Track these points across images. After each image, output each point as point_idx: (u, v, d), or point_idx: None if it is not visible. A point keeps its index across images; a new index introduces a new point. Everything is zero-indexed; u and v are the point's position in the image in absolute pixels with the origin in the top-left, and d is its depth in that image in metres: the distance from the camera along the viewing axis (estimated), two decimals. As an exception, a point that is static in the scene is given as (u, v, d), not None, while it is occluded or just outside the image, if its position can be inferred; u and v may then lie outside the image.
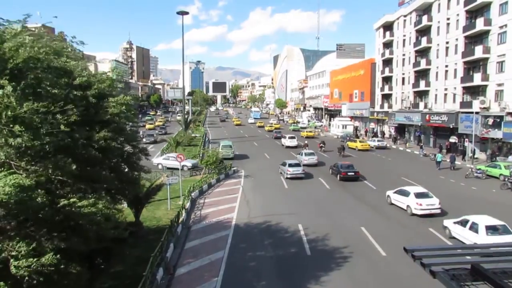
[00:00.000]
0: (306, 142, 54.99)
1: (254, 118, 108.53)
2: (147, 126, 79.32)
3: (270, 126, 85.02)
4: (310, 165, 39.16)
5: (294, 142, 55.63)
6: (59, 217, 9.12)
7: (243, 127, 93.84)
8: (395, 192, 25.88)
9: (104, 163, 11.74)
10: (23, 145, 8.15)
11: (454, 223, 19.91)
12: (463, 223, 19.18)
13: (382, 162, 43.89)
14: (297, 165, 35.75)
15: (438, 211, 23.38)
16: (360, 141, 56.23)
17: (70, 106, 9.46)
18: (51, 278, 8.50)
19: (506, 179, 31.07)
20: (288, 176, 34.18)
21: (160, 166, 38.31)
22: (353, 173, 33.94)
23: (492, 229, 17.92)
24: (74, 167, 9.01)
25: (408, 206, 24.00)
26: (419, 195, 23.83)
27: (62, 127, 9.07)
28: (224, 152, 44.09)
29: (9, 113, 7.95)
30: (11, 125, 8.03)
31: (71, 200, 9.24)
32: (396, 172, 37.20)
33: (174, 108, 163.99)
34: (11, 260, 7.73)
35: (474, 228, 18.34)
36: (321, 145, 51.75)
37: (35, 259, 7.81)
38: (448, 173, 36.89)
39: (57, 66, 10.15)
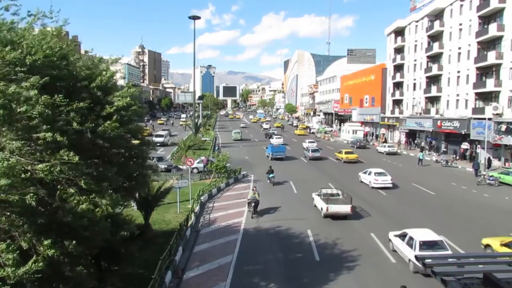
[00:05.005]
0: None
1: (257, 118, 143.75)
2: None
3: (257, 119, 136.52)
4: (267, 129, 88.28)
5: (268, 125, 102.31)
6: (54, 218, 8.91)
7: (238, 119, 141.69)
8: (363, 173, 35.24)
9: (111, 159, 11.75)
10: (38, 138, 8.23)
11: (395, 236, 18.57)
12: (402, 236, 17.91)
13: (394, 168, 43.52)
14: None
15: (390, 185, 32.51)
16: (299, 129, 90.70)
17: (80, 98, 9.65)
18: (51, 283, 8.48)
19: None
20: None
21: (196, 171, 39.03)
22: (274, 131, 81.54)
23: (427, 245, 16.51)
24: (77, 158, 8.96)
25: (369, 181, 33.37)
26: (377, 174, 33.42)
27: (74, 124, 9.32)
28: (235, 136, 73.11)
29: (27, 108, 8.08)
30: (28, 121, 8.13)
31: (64, 196, 8.99)
32: (407, 178, 36.88)
33: (178, 112, 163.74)
34: None
35: (410, 243, 17.03)
36: (281, 127, 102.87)
37: (21, 268, 7.50)
38: (460, 179, 36.45)
39: (69, 61, 10.36)
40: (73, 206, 8.99)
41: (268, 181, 34.37)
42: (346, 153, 47.93)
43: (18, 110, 8.08)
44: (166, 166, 39.87)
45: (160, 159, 41.77)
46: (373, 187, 32.63)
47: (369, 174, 33.94)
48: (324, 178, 37.08)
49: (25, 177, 7.91)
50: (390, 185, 32.51)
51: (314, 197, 26.86)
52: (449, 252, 16.43)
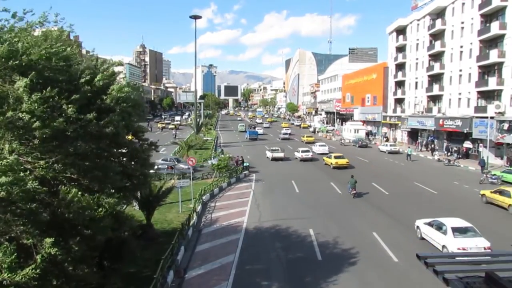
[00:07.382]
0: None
1: (253, 114, 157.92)
2: None
3: (253, 116, 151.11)
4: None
5: (261, 120, 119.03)
6: (55, 216, 8.83)
7: (238, 116, 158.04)
8: (314, 145, 56.66)
9: (113, 158, 11.71)
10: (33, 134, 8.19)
11: (425, 224, 19.56)
12: (432, 224, 18.94)
13: (395, 167, 43.46)
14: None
15: (327, 151, 51.13)
16: (284, 123, 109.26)
17: (75, 97, 9.63)
18: (55, 281, 8.45)
19: None
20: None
21: None
22: (256, 124, 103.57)
23: (459, 231, 17.58)
24: (81, 144, 8.84)
25: (316, 150, 52.90)
26: (320, 145, 55.75)
27: (70, 113, 9.26)
28: (240, 128, 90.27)
29: (23, 106, 8.01)
30: (21, 116, 8.09)
31: (62, 192, 8.87)
32: (409, 177, 36.84)
33: (173, 113, 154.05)
34: None
35: (442, 229, 18.03)
36: (271, 122, 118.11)
37: (18, 273, 7.36)
38: (462, 178, 36.35)
39: (66, 55, 10.31)
40: (75, 202, 8.90)
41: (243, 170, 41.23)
42: (307, 136, 70.01)
43: (8, 112, 8.01)
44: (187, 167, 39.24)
45: (178, 160, 41.17)
46: (318, 153, 51.08)
47: (316, 145, 55.47)
48: (288, 148, 51.24)
49: (25, 175, 7.86)
50: (327, 152, 50.65)
51: (266, 152, 49.46)
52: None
